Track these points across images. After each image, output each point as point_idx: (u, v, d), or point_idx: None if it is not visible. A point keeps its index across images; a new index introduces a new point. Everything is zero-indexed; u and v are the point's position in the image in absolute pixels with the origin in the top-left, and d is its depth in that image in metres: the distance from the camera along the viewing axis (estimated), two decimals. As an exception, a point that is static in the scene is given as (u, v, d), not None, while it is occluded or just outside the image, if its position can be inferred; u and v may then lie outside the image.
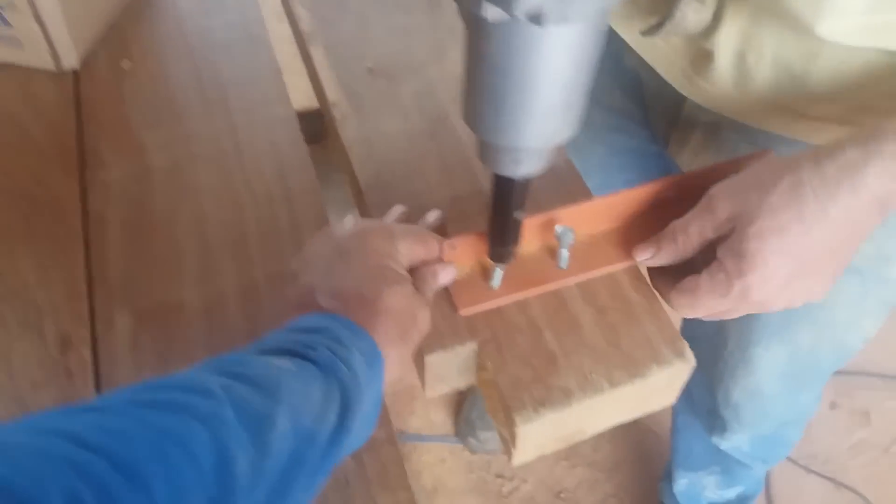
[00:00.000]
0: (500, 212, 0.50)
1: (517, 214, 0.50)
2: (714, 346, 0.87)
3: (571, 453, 1.44)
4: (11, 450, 0.31)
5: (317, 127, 0.86)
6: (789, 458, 1.43)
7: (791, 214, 0.47)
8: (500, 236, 0.52)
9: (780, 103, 0.63)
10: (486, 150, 0.46)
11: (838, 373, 1.49)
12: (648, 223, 0.59)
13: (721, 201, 0.50)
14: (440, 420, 1.49)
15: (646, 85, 0.77)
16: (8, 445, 0.31)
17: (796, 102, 0.62)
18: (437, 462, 1.44)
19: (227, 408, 0.37)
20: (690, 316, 0.54)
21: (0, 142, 0.73)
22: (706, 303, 0.51)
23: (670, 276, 0.54)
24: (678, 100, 0.72)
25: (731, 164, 0.58)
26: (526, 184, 0.48)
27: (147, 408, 0.35)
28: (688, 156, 0.76)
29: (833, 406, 1.51)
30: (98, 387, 0.55)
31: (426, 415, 1.50)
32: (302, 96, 0.81)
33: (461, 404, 1.49)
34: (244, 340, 0.58)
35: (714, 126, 0.71)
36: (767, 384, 0.86)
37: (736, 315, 0.52)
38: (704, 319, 0.54)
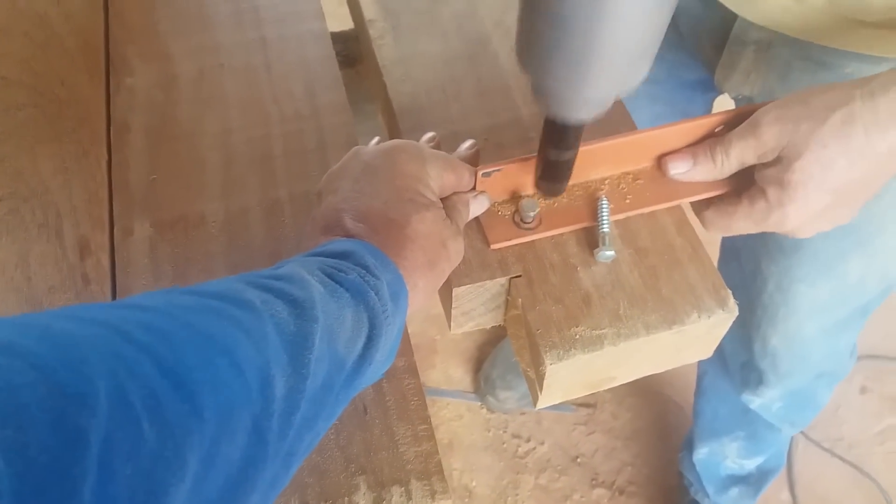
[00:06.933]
0: (551, 152, 0.48)
1: (569, 154, 0.48)
2: (751, 293, 0.85)
3: (589, 419, 1.43)
4: (56, 336, 0.28)
5: (348, 51, 0.82)
6: (813, 441, 1.41)
7: (839, 149, 0.47)
8: (551, 173, 0.50)
9: (839, 12, 0.60)
10: (542, 93, 0.42)
11: (871, 357, 1.48)
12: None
13: (768, 127, 0.49)
14: (459, 376, 1.48)
15: (689, 8, 0.73)
16: (53, 331, 0.28)
17: (855, 10, 0.59)
18: (455, 417, 1.43)
19: (267, 324, 0.34)
20: (719, 234, 0.56)
21: (28, 42, 0.71)
22: (740, 226, 0.52)
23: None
24: (727, 20, 0.69)
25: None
26: (581, 126, 0.45)
27: (191, 312, 0.32)
28: (738, 77, 0.73)
29: (864, 391, 1.48)
30: (114, 294, 0.54)
31: (445, 370, 1.49)
32: (333, 22, 0.77)
33: (481, 362, 1.48)
34: (265, 259, 0.56)
35: (765, 44, 0.68)
36: (808, 324, 0.84)
37: (755, 231, 0.53)
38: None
